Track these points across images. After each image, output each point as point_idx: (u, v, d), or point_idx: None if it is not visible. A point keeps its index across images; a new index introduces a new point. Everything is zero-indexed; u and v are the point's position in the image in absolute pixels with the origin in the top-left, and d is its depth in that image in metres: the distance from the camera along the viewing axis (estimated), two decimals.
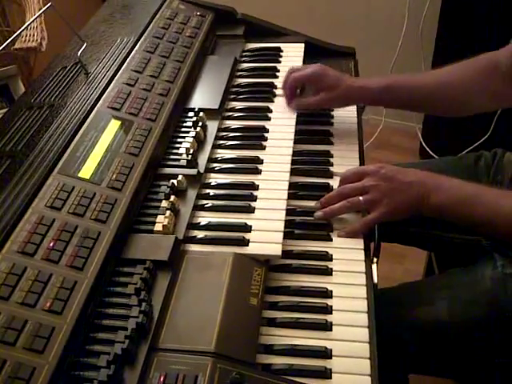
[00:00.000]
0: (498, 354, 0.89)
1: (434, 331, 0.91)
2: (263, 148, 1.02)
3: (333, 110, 1.16)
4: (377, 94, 1.07)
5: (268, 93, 1.16)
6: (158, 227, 0.81)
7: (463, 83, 1.05)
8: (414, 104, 1.13)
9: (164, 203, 0.85)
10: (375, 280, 0.83)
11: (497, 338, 0.88)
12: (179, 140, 0.99)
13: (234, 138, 1.05)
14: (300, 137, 1.07)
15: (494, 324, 0.88)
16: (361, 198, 0.89)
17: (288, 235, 0.87)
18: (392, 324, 0.90)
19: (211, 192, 0.93)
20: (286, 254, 0.84)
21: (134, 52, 1.10)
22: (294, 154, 1.01)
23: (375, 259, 0.87)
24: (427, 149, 2.23)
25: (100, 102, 0.96)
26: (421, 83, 1.09)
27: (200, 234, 0.86)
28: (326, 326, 0.76)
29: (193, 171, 0.93)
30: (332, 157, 1.04)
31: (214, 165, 0.99)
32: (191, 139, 0.98)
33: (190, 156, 0.94)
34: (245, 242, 0.84)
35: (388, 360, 0.75)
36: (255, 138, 1.05)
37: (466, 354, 0.91)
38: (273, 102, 1.14)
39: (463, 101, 1.07)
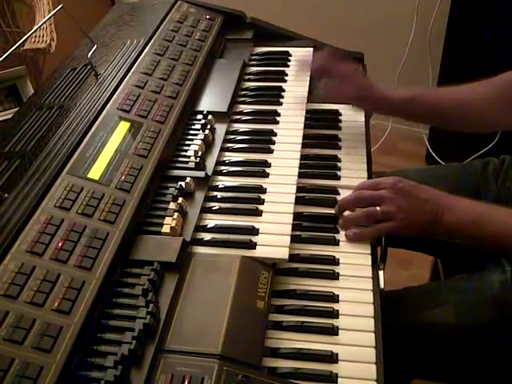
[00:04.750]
0: (505, 359, 0.89)
1: (440, 335, 0.91)
2: (271, 151, 1.03)
3: (341, 115, 1.16)
4: (397, 107, 1.07)
5: (276, 96, 1.16)
6: (166, 229, 0.82)
7: (486, 100, 1.05)
8: (435, 119, 1.14)
9: (172, 205, 0.85)
10: (382, 285, 0.83)
11: (504, 343, 0.88)
12: (188, 142, 0.99)
13: (242, 141, 1.05)
14: (308, 141, 1.07)
15: (502, 329, 0.87)
16: (378, 208, 0.89)
17: (295, 239, 0.87)
18: (397, 327, 0.90)
19: (219, 195, 0.93)
20: (293, 257, 0.84)
21: (143, 54, 1.11)
22: (302, 157, 1.02)
23: (382, 264, 0.87)
24: (434, 155, 2.23)
25: (109, 103, 0.96)
26: (443, 99, 1.09)
27: (207, 237, 0.86)
28: (333, 331, 0.76)
29: (201, 174, 0.93)
30: (340, 161, 1.04)
31: (222, 167, 0.99)
32: (199, 142, 0.98)
33: (198, 158, 0.95)
34: (252, 245, 0.84)
35: (392, 364, 0.75)
36: (263, 141, 1.05)
37: (472, 359, 0.91)
38: (281, 105, 1.14)
39: (486, 118, 1.07)
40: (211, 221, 0.89)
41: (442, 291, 0.99)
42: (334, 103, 1.17)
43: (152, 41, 1.15)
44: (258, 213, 0.90)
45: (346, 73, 1.09)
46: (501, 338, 0.88)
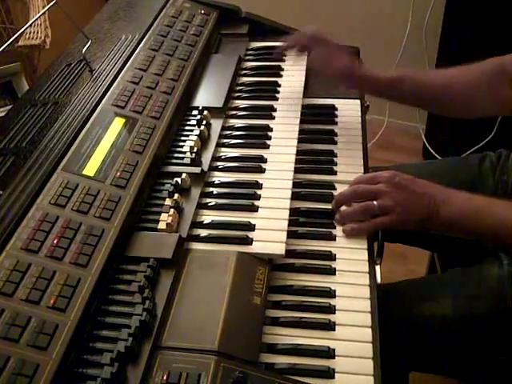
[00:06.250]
0: (502, 352, 0.89)
1: (437, 327, 0.91)
2: (267, 147, 1.02)
3: (337, 109, 1.16)
4: (384, 86, 1.08)
5: (272, 91, 1.16)
6: (162, 225, 0.81)
7: (468, 85, 1.05)
8: (419, 101, 1.14)
9: (168, 201, 0.85)
10: (378, 280, 0.83)
11: (501, 336, 0.88)
12: (183, 138, 0.99)
13: (237, 137, 1.05)
14: (304, 136, 1.07)
15: (499, 321, 0.88)
16: (375, 202, 0.89)
17: (291, 234, 0.87)
18: (394, 320, 0.90)
19: (215, 190, 0.93)
20: (290, 253, 0.84)
21: (138, 50, 1.10)
22: (298, 153, 1.01)
23: (378, 259, 0.87)
24: (430, 149, 2.23)
25: (104, 99, 0.95)
26: (428, 81, 1.09)
27: (204, 233, 0.85)
28: (329, 326, 0.76)
29: (197, 169, 0.92)
30: (336, 156, 1.04)
31: (218, 163, 0.99)
32: (195, 137, 0.98)
33: (193, 154, 0.94)
34: (248, 241, 0.84)
35: (389, 357, 0.75)
36: (259, 136, 1.05)
37: (469, 351, 0.91)
38: (277, 100, 1.14)
39: (468, 103, 1.07)
40: (207, 217, 0.89)
41: (439, 284, 0.99)
42: (329, 98, 1.17)
43: (147, 36, 1.15)
44: (255, 208, 0.90)
45: (338, 48, 1.10)
46: (497, 330, 0.88)
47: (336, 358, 0.72)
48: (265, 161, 0.99)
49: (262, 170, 0.97)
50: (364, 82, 1.09)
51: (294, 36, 1.17)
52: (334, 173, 1.00)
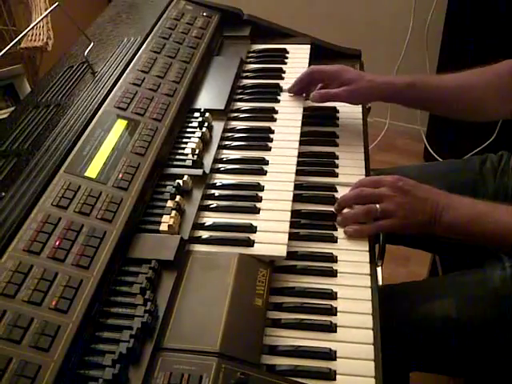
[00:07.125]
0: (505, 353, 0.89)
1: (440, 328, 0.91)
2: (269, 149, 1.02)
3: (338, 112, 1.16)
4: (400, 91, 1.07)
5: (274, 94, 1.16)
6: (164, 227, 0.81)
7: (483, 87, 1.04)
8: (434, 105, 1.13)
9: (169, 203, 0.85)
10: (380, 282, 0.83)
11: (504, 337, 0.88)
12: (185, 140, 0.99)
13: (239, 139, 1.05)
14: (305, 138, 1.07)
15: (502, 323, 0.88)
16: (377, 206, 0.89)
17: (293, 236, 0.87)
18: (396, 321, 0.90)
19: (216, 192, 0.93)
20: (291, 255, 0.84)
21: (140, 52, 1.10)
22: (300, 155, 1.01)
23: (380, 261, 0.87)
24: (431, 151, 2.23)
25: (106, 101, 0.96)
26: (443, 84, 1.08)
27: (205, 235, 0.86)
28: (331, 328, 0.76)
29: (198, 171, 0.93)
30: (337, 158, 1.04)
31: (220, 165, 0.99)
32: (197, 139, 0.98)
33: (195, 156, 0.95)
34: (250, 243, 0.84)
35: (390, 357, 0.75)
36: (261, 138, 1.05)
37: (472, 352, 0.91)
38: (278, 102, 1.14)
39: (483, 105, 1.07)
40: (209, 219, 0.89)
41: (442, 285, 0.99)
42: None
43: (149, 38, 1.15)
44: (256, 210, 0.90)
45: (327, 74, 1.09)
46: (501, 332, 0.88)
47: (337, 359, 0.72)
48: (266, 163, 0.99)
49: (264, 172, 0.97)
50: (374, 87, 1.07)
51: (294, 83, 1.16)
52: (336, 175, 1.00)
